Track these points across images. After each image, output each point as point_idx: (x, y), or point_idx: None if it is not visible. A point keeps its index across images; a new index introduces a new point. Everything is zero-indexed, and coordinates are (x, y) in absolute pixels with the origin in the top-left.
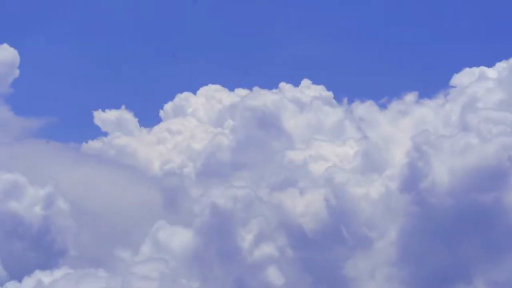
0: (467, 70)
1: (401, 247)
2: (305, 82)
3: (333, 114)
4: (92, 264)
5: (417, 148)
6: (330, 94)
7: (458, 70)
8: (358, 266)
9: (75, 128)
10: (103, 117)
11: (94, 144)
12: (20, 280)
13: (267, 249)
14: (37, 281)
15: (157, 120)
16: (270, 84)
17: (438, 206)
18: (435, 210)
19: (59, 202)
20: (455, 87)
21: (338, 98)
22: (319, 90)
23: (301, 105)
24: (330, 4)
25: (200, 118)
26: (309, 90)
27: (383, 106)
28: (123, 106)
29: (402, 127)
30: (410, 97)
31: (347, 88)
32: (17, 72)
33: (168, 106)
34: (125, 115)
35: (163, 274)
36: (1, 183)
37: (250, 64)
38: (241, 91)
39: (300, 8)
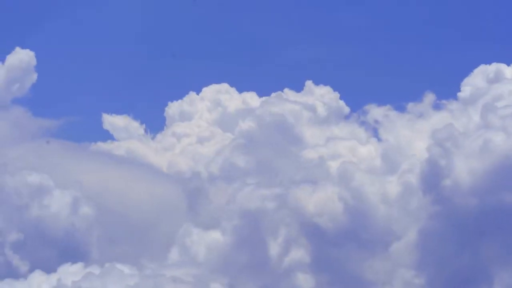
0: (482, 67)
1: (421, 249)
2: (309, 83)
3: (346, 115)
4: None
5: (439, 144)
6: (336, 94)
7: (469, 69)
8: (377, 268)
9: (87, 130)
10: (111, 121)
11: (103, 146)
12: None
13: (295, 252)
14: (64, 275)
15: (163, 124)
16: (273, 85)
17: (460, 205)
18: (457, 210)
19: (72, 196)
20: (471, 86)
21: (344, 99)
22: (326, 91)
23: (311, 107)
24: (334, 5)
25: (207, 121)
26: (316, 91)
27: (399, 109)
28: (131, 115)
29: (419, 129)
30: (427, 98)
31: (351, 89)
32: (34, 76)
33: (174, 110)
34: (132, 123)
35: (194, 277)
36: (25, 183)
37: (252, 66)
38: (246, 94)
39: (304, 8)
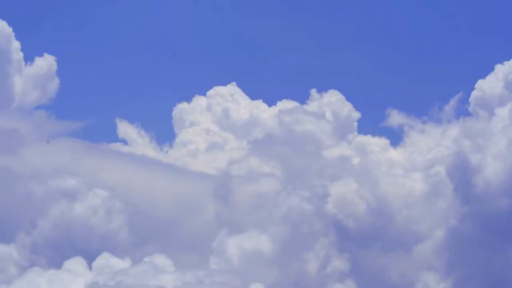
0: (500, 66)
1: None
2: (313, 90)
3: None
4: None
5: (466, 143)
6: (343, 98)
7: (486, 68)
8: (401, 270)
9: (106, 132)
10: (124, 127)
11: (122, 147)
12: None
13: (333, 257)
14: (107, 264)
15: (171, 129)
16: (279, 87)
17: (489, 205)
18: (486, 210)
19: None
20: (489, 85)
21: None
22: (335, 97)
23: (322, 113)
24: (337, 8)
25: (217, 125)
26: (324, 97)
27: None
28: (141, 121)
29: (439, 132)
30: (452, 103)
31: (359, 94)
32: (57, 80)
33: (181, 114)
34: (141, 133)
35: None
36: (57, 184)
37: (256, 68)
38: (253, 95)
39: (307, 11)
